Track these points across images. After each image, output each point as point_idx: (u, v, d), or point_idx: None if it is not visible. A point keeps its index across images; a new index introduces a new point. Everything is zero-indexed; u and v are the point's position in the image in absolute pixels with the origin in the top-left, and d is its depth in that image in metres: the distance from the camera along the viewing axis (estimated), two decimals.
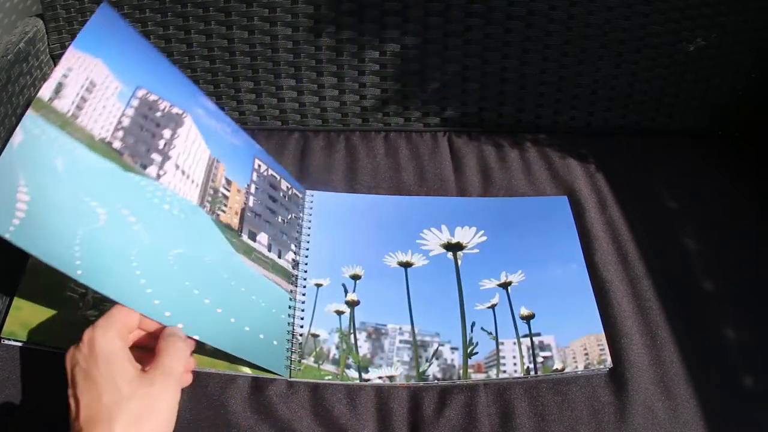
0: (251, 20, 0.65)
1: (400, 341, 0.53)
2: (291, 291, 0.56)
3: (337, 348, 0.53)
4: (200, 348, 0.47)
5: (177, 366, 0.42)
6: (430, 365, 0.52)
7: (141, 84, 0.49)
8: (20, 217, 0.38)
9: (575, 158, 0.69)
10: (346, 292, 0.56)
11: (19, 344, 0.51)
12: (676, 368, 0.52)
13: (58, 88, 0.42)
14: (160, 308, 0.44)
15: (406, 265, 0.59)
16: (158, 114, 0.50)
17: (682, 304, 0.56)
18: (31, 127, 0.40)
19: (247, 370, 0.50)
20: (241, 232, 0.55)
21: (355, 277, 0.57)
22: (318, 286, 0.57)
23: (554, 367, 0.52)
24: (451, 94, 0.71)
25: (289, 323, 0.54)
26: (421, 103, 0.71)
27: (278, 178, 0.62)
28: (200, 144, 0.53)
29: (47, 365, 0.50)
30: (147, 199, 0.46)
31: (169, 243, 0.47)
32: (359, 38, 0.66)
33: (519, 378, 0.51)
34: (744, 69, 0.70)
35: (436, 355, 0.52)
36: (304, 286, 0.57)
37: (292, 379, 0.51)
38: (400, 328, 0.54)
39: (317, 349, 0.52)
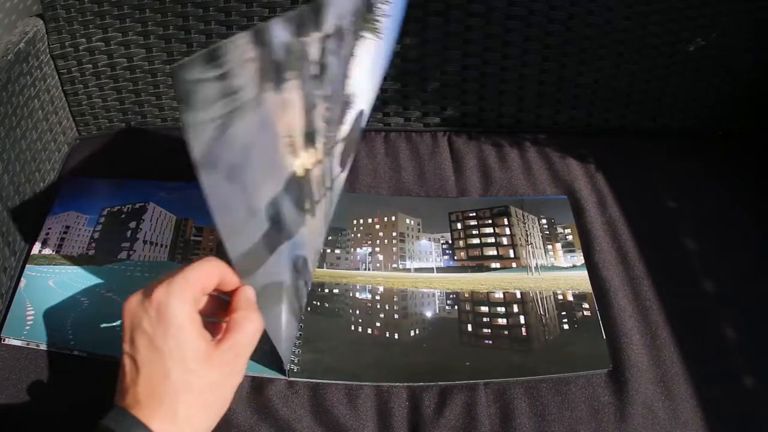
0: (251, 20, 0.65)
1: None
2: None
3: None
4: None
5: (250, 346, 0.39)
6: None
7: (104, 205, 0.63)
8: (29, 324, 0.53)
9: (575, 158, 0.69)
10: None
11: (20, 344, 0.51)
12: (676, 368, 0.52)
13: (43, 244, 0.59)
14: None
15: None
16: (122, 216, 0.62)
17: (682, 305, 0.56)
18: (29, 273, 0.57)
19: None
20: None
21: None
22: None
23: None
24: (451, 94, 0.71)
25: None
26: (420, 103, 0.71)
27: None
28: (165, 215, 0.62)
29: (48, 365, 0.51)
30: (121, 276, 0.57)
31: None
32: None
33: (519, 378, 0.51)
34: (744, 69, 0.70)
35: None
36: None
37: (292, 379, 0.51)
38: None
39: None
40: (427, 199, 0.65)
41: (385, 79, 0.69)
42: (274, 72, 0.36)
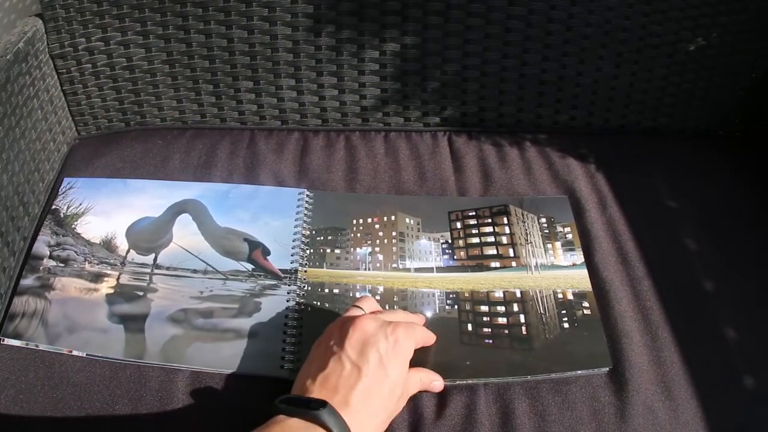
0: (251, 20, 0.65)
1: None
2: (288, 292, 0.56)
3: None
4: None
5: (414, 391, 0.48)
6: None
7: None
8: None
9: (575, 158, 0.69)
10: None
11: (20, 344, 0.51)
12: (677, 368, 0.52)
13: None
14: None
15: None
16: None
17: (682, 304, 0.56)
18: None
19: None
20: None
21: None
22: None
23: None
24: (451, 94, 0.70)
25: (285, 323, 0.54)
26: (420, 103, 0.71)
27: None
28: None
29: (47, 366, 0.50)
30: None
31: None
32: (359, 38, 0.66)
33: (519, 378, 0.51)
34: (744, 69, 0.70)
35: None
36: (304, 287, 0.57)
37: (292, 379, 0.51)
38: None
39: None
40: (427, 198, 0.65)
41: (385, 79, 0.69)
42: None
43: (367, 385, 0.41)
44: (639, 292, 0.57)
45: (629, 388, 0.50)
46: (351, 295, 0.57)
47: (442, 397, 0.50)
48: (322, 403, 0.39)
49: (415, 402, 0.50)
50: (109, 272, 0.57)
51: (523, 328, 0.54)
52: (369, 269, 0.59)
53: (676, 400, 0.50)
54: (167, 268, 0.58)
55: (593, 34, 0.67)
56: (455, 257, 0.61)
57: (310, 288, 0.57)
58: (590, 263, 0.59)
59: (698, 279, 0.59)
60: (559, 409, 0.49)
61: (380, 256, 0.60)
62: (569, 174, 0.67)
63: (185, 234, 0.60)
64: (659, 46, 0.68)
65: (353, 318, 0.45)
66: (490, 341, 0.53)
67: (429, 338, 0.50)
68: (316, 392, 0.40)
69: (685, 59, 0.69)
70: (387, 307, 0.56)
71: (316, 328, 0.54)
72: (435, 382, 0.49)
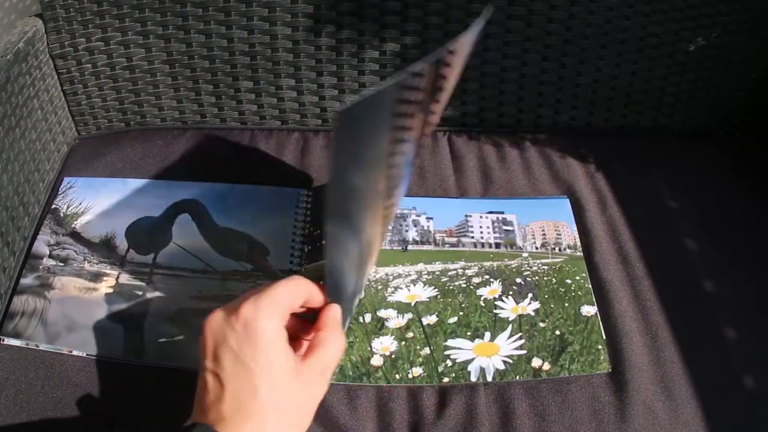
0: (251, 20, 0.65)
1: None
2: None
3: None
4: None
5: (334, 363, 0.39)
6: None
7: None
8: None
9: (575, 158, 0.69)
10: None
11: (20, 344, 0.51)
12: (677, 368, 0.52)
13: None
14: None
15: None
16: None
17: (682, 304, 0.56)
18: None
19: None
20: None
21: None
22: None
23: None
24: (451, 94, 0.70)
25: None
26: None
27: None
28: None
29: (47, 366, 0.50)
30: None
31: None
32: (359, 38, 0.66)
33: (519, 379, 0.51)
34: (744, 69, 0.70)
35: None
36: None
37: None
38: None
39: None
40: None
41: (385, 79, 0.69)
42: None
43: (234, 389, 0.34)
44: (639, 292, 0.57)
45: (629, 388, 0.50)
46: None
47: (442, 397, 0.50)
48: (192, 427, 0.34)
49: (415, 402, 0.50)
50: (108, 272, 0.57)
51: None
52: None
53: (676, 400, 0.50)
54: (166, 268, 0.57)
55: (593, 34, 0.67)
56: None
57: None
58: (590, 263, 0.59)
59: (698, 279, 0.59)
60: (559, 409, 0.49)
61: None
62: (569, 174, 0.67)
63: (185, 234, 0.60)
64: (659, 46, 0.68)
65: (203, 321, 0.37)
66: None
67: (293, 290, 0.39)
68: (196, 417, 0.35)
69: (685, 59, 0.69)
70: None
71: None
72: (339, 341, 0.39)
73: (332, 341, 0.38)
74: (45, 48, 0.64)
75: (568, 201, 0.65)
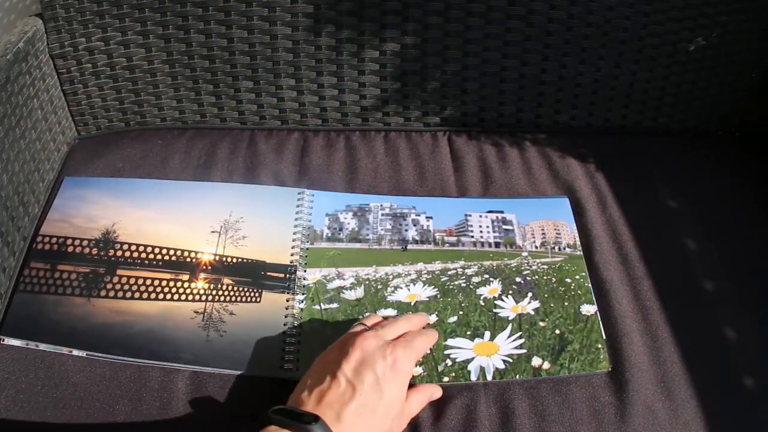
0: (251, 20, 0.65)
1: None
2: (288, 292, 0.56)
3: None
4: None
5: (418, 409, 0.47)
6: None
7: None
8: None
9: (575, 158, 0.69)
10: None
11: (20, 344, 0.51)
12: (677, 368, 0.52)
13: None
14: None
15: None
16: None
17: (682, 304, 0.56)
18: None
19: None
20: None
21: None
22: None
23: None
24: (451, 94, 0.70)
25: (284, 324, 0.54)
26: (420, 102, 0.71)
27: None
28: None
29: (47, 365, 0.50)
30: None
31: None
32: (359, 38, 0.66)
33: (519, 378, 0.51)
34: (744, 69, 0.70)
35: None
36: (304, 285, 0.57)
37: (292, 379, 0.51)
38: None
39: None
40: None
41: (385, 79, 0.69)
42: None
43: (361, 403, 0.41)
44: (639, 292, 0.57)
45: (629, 388, 0.50)
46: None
47: (442, 397, 0.50)
48: (315, 418, 0.39)
49: None
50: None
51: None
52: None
53: (676, 400, 0.50)
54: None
55: (593, 34, 0.67)
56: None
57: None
58: (590, 263, 0.59)
59: (698, 279, 0.59)
60: (559, 409, 0.49)
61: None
62: (569, 174, 0.67)
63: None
64: (659, 46, 0.68)
65: (355, 336, 0.45)
66: None
67: (430, 343, 0.50)
68: (311, 406, 0.41)
69: (685, 59, 0.69)
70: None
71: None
72: (435, 394, 0.49)
73: (425, 395, 0.48)
74: (45, 48, 0.64)
75: (567, 201, 0.65)
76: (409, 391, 0.46)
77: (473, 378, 0.51)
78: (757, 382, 0.51)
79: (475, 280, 0.58)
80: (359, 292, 0.57)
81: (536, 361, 0.52)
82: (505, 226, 0.63)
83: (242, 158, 0.68)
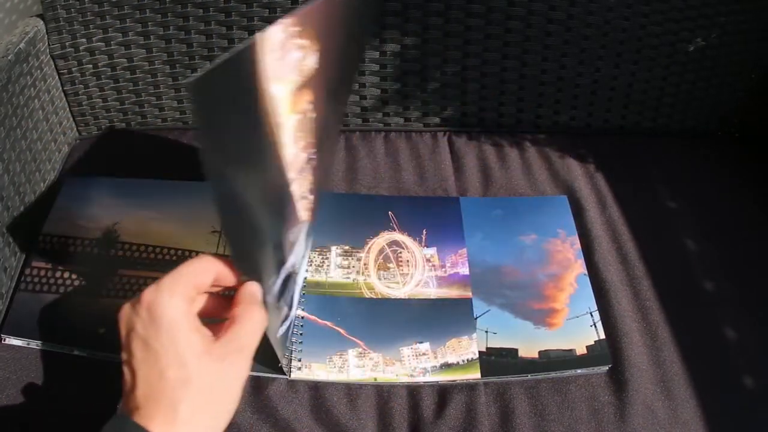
0: (251, 20, 0.65)
1: None
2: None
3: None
4: None
5: (253, 340, 0.37)
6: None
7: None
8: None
9: (575, 158, 0.69)
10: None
11: (20, 344, 0.51)
12: (676, 368, 0.52)
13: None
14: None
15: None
16: None
17: (682, 304, 0.56)
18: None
19: None
20: None
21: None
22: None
23: None
24: (451, 94, 0.71)
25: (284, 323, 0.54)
26: (420, 103, 0.71)
27: None
28: None
29: (48, 365, 0.51)
30: None
31: None
32: None
33: (519, 378, 0.51)
34: (743, 69, 0.71)
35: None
36: (304, 285, 0.57)
37: (292, 379, 0.51)
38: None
39: None
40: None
41: (385, 79, 0.69)
42: None
43: (145, 375, 0.33)
44: (639, 292, 0.57)
45: (629, 387, 0.50)
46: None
47: (442, 397, 0.50)
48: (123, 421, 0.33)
49: (415, 401, 0.50)
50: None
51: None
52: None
53: (676, 399, 0.50)
54: None
55: (593, 35, 0.67)
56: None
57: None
58: (590, 263, 0.59)
59: (698, 279, 0.59)
60: (558, 408, 0.49)
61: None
62: (569, 174, 0.68)
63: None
64: (658, 46, 0.68)
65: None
66: None
67: (202, 267, 0.37)
68: (120, 409, 0.35)
69: (684, 59, 0.69)
70: None
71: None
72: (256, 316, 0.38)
73: (247, 317, 0.37)
74: (46, 48, 0.64)
75: (566, 200, 0.65)
76: (223, 327, 0.37)
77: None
78: (757, 382, 0.51)
79: None
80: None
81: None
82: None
83: None
